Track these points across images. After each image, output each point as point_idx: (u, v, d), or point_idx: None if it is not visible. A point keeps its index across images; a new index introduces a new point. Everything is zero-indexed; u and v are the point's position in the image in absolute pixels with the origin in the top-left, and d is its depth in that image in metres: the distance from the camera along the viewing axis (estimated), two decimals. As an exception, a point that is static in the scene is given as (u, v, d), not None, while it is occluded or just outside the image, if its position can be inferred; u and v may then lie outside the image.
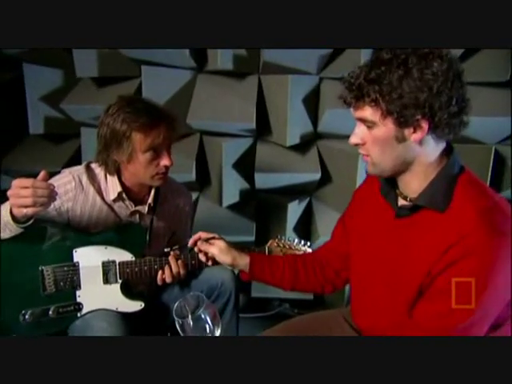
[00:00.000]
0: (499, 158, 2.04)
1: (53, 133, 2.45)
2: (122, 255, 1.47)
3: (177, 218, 1.65)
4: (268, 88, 2.09)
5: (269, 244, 1.54)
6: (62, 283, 1.43)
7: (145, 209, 1.55)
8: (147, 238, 1.54)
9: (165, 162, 1.43)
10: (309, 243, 1.54)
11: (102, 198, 1.50)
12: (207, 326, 1.02)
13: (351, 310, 1.29)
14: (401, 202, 1.11)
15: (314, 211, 2.28)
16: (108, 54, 2.13)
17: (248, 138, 2.19)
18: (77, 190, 1.47)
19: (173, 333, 1.12)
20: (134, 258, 1.47)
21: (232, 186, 2.19)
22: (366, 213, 1.21)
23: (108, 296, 1.46)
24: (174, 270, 1.47)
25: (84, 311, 1.45)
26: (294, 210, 2.23)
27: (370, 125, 1.00)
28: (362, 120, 1.02)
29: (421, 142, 0.99)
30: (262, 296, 2.35)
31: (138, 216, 1.55)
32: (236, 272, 1.52)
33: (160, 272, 1.48)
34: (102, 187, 1.51)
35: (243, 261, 1.32)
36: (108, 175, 1.50)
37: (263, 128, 2.14)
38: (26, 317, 1.39)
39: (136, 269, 1.47)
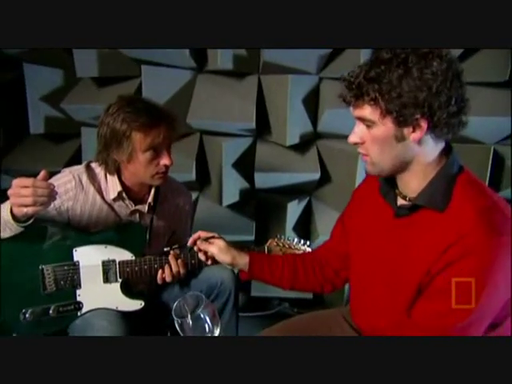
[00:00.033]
0: (498, 158, 2.04)
1: (53, 132, 2.45)
2: (122, 254, 1.47)
3: (177, 218, 1.66)
4: (268, 88, 2.09)
5: (268, 243, 1.54)
6: (62, 282, 1.44)
7: (145, 208, 1.55)
8: (147, 237, 1.54)
9: (165, 161, 1.43)
10: (308, 243, 1.54)
11: (102, 198, 1.50)
12: (206, 326, 1.02)
13: (350, 309, 1.29)
14: (400, 201, 1.11)
15: (313, 211, 2.28)
16: (108, 53, 2.13)
17: (248, 137, 2.19)
18: (77, 189, 1.47)
19: (173, 332, 1.12)
20: (134, 257, 1.48)
21: (232, 186, 2.19)
22: (365, 212, 1.21)
23: (108, 295, 1.47)
24: (174, 269, 1.47)
25: (84, 310, 1.45)
26: (294, 210, 2.23)
27: (369, 124, 1.01)
28: (362, 119, 1.02)
29: (420, 142, 0.99)
30: (261, 295, 2.35)
31: (138, 215, 1.56)
32: (235, 271, 1.52)
33: (160, 271, 1.48)
34: (102, 186, 1.51)
35: (243, 260, 1.32)
36: (108, 175, 1.50)
37: (263, 128, 2.14)
38: (27, 316, 1.40)
39: (136, 268, 1.47)
